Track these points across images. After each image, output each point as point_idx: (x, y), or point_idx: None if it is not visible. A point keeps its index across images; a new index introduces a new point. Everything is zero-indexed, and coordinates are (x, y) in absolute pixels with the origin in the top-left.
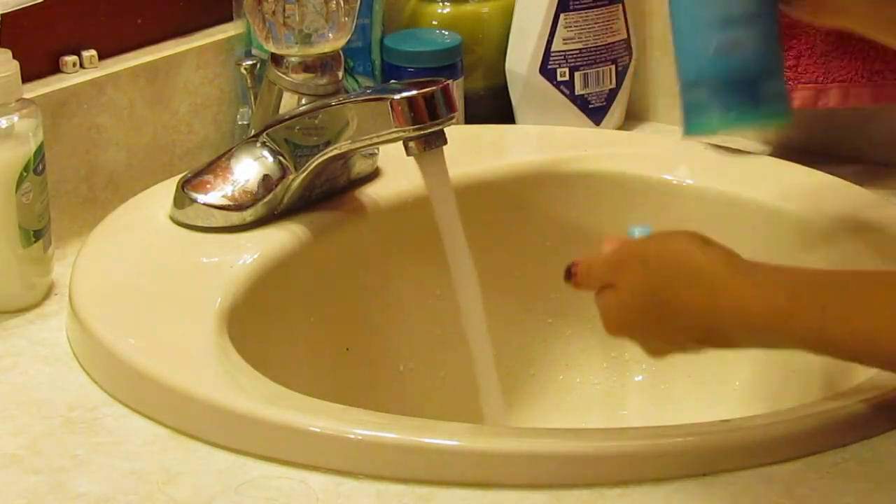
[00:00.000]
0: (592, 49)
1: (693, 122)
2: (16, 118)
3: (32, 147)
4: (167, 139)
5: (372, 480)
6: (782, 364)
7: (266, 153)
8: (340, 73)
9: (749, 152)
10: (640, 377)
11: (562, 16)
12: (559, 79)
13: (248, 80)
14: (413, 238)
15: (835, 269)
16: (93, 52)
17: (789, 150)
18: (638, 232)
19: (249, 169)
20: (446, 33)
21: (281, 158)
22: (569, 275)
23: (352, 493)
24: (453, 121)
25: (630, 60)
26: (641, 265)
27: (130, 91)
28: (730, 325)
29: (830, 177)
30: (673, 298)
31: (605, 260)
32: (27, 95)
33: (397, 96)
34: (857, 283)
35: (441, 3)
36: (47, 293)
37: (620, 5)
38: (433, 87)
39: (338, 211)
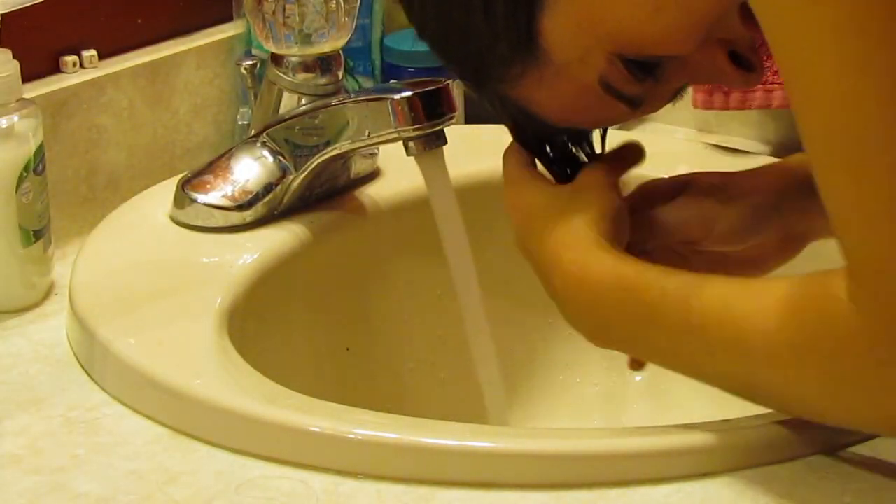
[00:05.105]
0: None
1: None
2: (16, 118)
3: (32, 147)
4: (167, 139)
5: (372, 480)
6: None
7: (266, 153)
8: (340, 73)
9: (749, 152)
10: (640, 377)
11: None
12: None
13: (248, 80)
14: (413, 238)
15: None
16: (93, 52)
17: (789, 150)
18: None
19: (249, 169)
20: None
21: (281, 158)
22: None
23: (352, 493)
24: (453, 121)
25: None
26: None
27: (130, 91)
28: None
29: None
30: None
31: None
32: (27, 95)
33: (397, 96)
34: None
35: None
36: (47, 293)
37: None
38: (433, 87)
39: (338, 211)
